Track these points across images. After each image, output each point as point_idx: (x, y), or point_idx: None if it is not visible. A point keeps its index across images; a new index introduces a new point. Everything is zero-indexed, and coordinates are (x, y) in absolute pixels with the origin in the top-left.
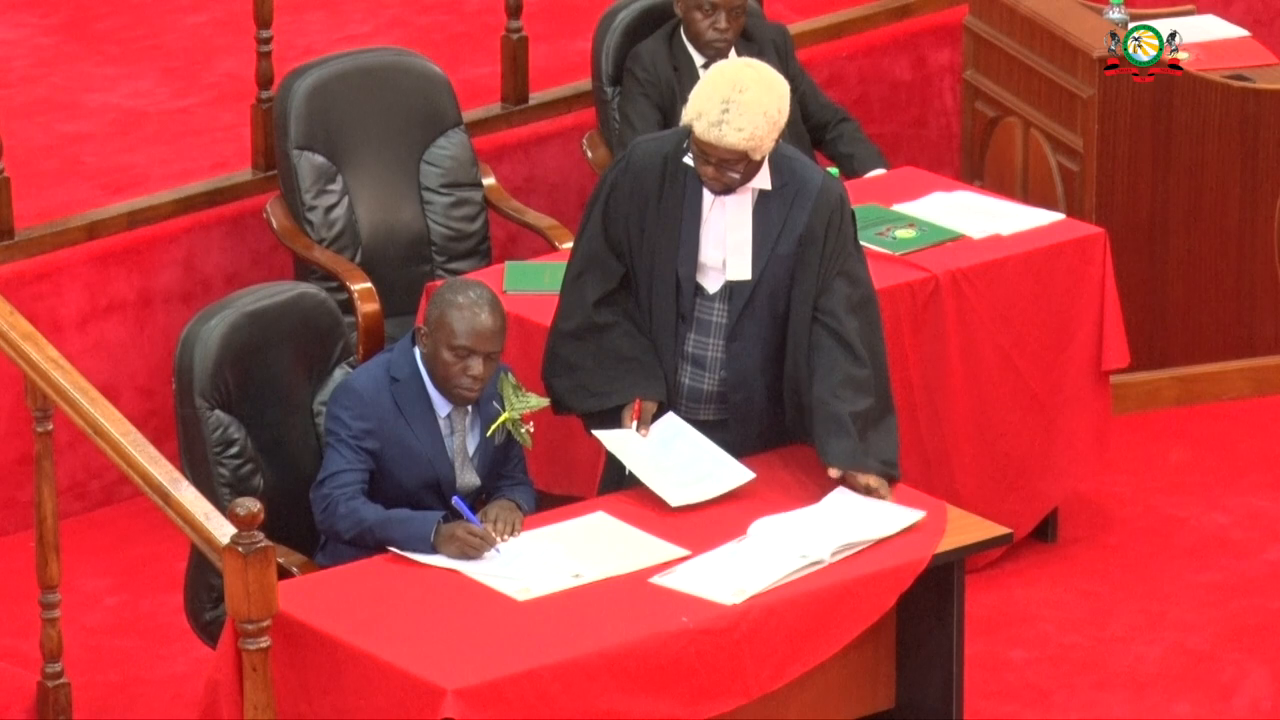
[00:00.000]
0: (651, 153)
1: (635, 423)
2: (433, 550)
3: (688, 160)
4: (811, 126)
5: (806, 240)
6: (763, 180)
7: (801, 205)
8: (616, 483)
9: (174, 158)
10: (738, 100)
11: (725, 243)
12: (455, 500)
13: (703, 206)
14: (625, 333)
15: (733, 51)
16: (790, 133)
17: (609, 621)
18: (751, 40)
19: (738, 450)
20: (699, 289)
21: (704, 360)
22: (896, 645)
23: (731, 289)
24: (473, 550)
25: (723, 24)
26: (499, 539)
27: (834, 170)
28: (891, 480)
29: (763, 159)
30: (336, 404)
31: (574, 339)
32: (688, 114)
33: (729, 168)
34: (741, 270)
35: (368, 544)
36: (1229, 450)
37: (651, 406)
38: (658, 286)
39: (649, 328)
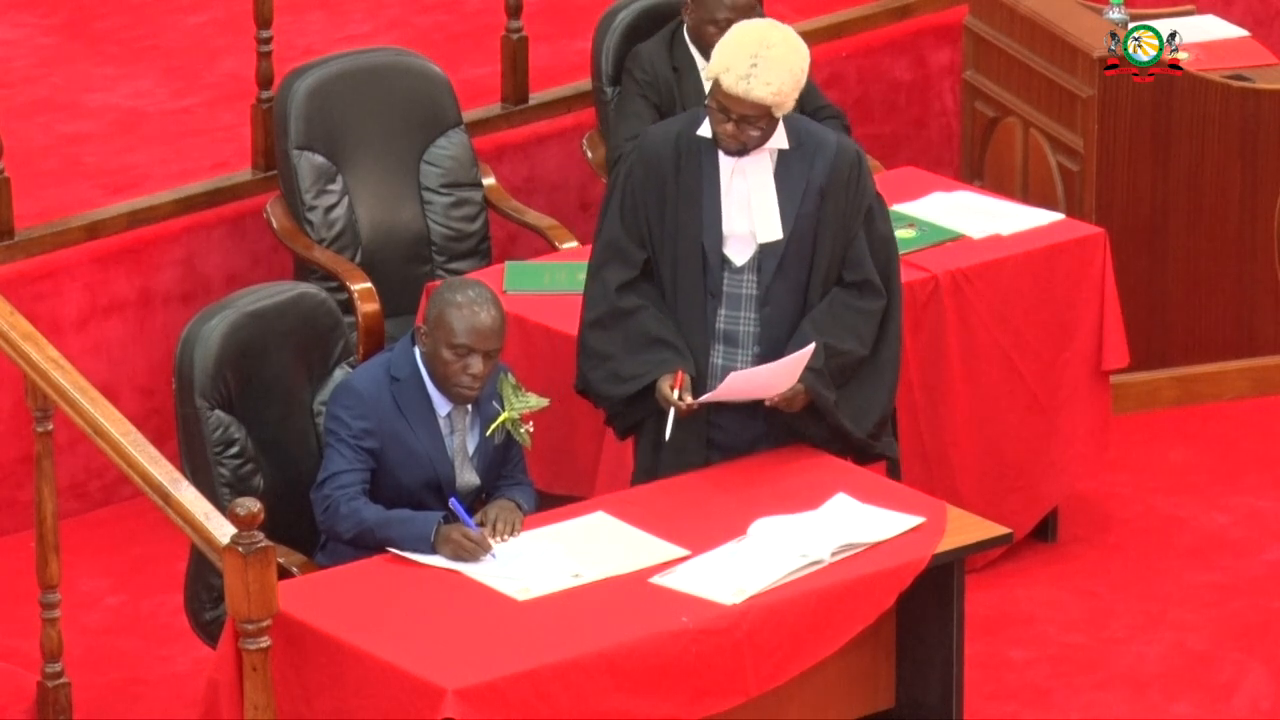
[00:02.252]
0: (663, 136)
1: (678, 392)
2: (433, 551)
3: (702, 132)
4: None
5: (828, 194)
6: (780, 140)
7: (821, 162)
8: (649, 472)
9: (174, 158)
10: (765, 55)
11: (750, 206)
12: (452, 502)
13: (721, 176)
14: (651, 316)
15: None
16: None
17: (609, 621)
18: None
19: (768, 443)
20: (726, 262)
21: (736, 336)
22: (896, 645)
23: (761, 257)
24: (467, 554)
25: None
26: (498, 539)
27: None
28: (869, 451)
29: (779, 119)
30: (336, 404)
31: (600, 328)
32: (712, 69)
33: (750, 125)
34: (772, 230)
35: (368, 544)
36: (1229, 450)
37: (689, 377)
38: (683, 265)
39: (676, 310)
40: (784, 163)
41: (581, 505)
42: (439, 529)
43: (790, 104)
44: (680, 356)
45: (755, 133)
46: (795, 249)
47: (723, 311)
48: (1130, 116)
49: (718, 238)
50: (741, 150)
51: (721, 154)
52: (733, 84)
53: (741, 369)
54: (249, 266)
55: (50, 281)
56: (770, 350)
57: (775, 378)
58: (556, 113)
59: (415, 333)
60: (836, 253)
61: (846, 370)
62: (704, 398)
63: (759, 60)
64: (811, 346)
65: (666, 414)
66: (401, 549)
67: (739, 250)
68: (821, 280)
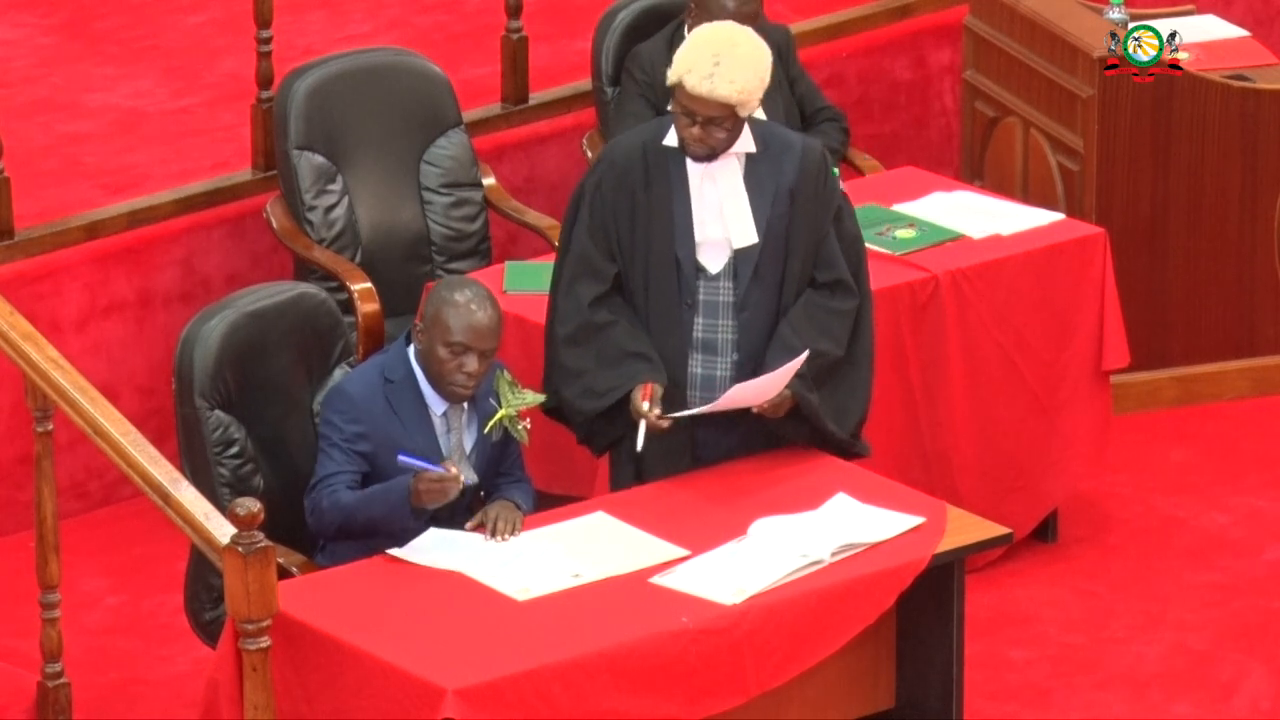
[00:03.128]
0: (629, 147)
1: (647, 404)
2: (414, 511)
3: (668, 142)
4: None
5: (798, 195)
6: (746, 143)
7: (789, 163)
8: (631, 479)
9: (174, 158)
10: (729, 54)
11: (723, 213)
12: (400, 457)
13: (690, 184)
14: (624, 330)
15: None
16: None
17: (609, 621)
18: None
19: (745, 450)
20: (701, 270)
21: (715, 344)
22: (896, 645)
23: (736, 263)
24: (441, 495)
25: None
26: (498, 539)
27: None
28: (849, 451)
29: (744, 120)
30: (329, 408)
31: (573, 343)
32: (675, 72)
33: (716, 126)
34: (746, 235)
35: (355, 531)
36: (1229, 450)
37: (659, 389)
38: (656, 276)
39: (650, 322)
40: (752, 166)
41: (581, 505)
42: (411, 487)
43: (755, 103)
44: (653, 369)
45: (721, 134)
46: (770, 252)
47: (699, 320)
48: (1130, 116)
49: (691, 246)
50: (709, 154)
51: (690, 161)
52: (696, 84)
53: (721, 376)
54: (249, 266)
55: (50, 281)
56: (749, 356)
57: (768, 386)
58: (556, 113)
59: (411, 331)
60: (809, 253)
61: (824, 372)
62: (704, 408)
63: (722, 59)
64: (805, 355)
65: (637, 426)
66: (390, 524)
67: (713, 257)
68: (795, 282)
